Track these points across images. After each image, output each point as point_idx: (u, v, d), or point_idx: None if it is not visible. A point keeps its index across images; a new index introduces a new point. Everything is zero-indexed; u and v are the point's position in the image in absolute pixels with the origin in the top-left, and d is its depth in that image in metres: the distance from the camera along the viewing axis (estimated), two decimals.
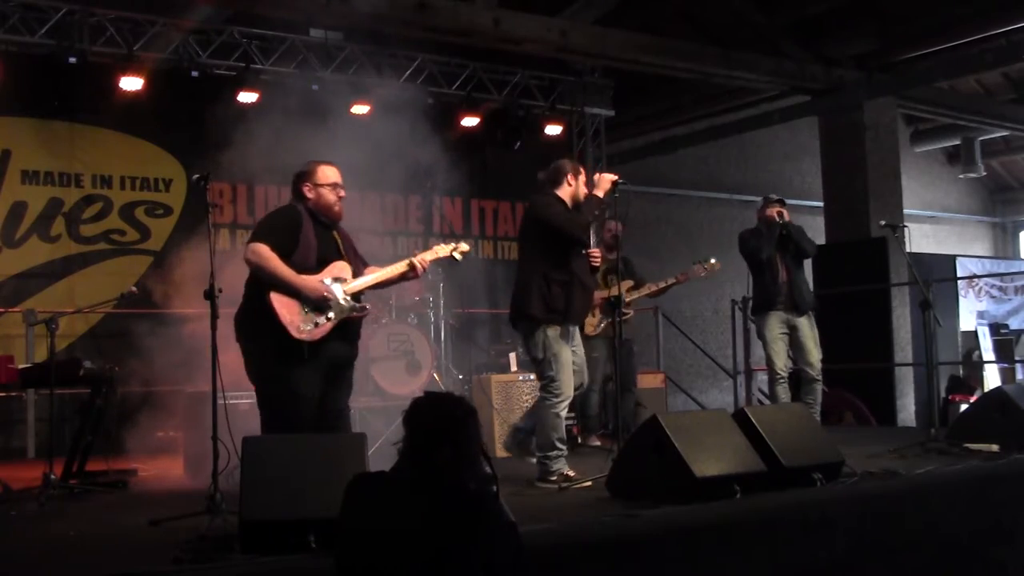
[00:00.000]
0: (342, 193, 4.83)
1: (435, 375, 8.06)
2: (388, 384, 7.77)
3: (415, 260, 4.96)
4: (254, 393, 4.83)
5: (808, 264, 7.41)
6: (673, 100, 12.73)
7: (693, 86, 11.85)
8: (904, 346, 10.54)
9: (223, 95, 8.81)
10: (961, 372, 11.92)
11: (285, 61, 9.37)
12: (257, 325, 4.56)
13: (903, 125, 15.36)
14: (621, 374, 6.65)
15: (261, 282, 4.56)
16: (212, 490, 4.25)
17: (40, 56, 8.29)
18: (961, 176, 16.82)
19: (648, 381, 8.77)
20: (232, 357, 4.69)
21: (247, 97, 8.92)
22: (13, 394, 7.66)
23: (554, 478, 5.45)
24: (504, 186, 10.98)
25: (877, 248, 10.34)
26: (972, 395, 10.56)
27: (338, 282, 4.69)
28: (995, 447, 5.92)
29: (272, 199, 9.37)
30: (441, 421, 2.77)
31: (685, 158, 13.98)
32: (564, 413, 5.64)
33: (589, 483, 5.32)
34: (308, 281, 4.58)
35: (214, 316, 4.46)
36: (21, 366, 5.86)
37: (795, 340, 6.90)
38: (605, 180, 5.65)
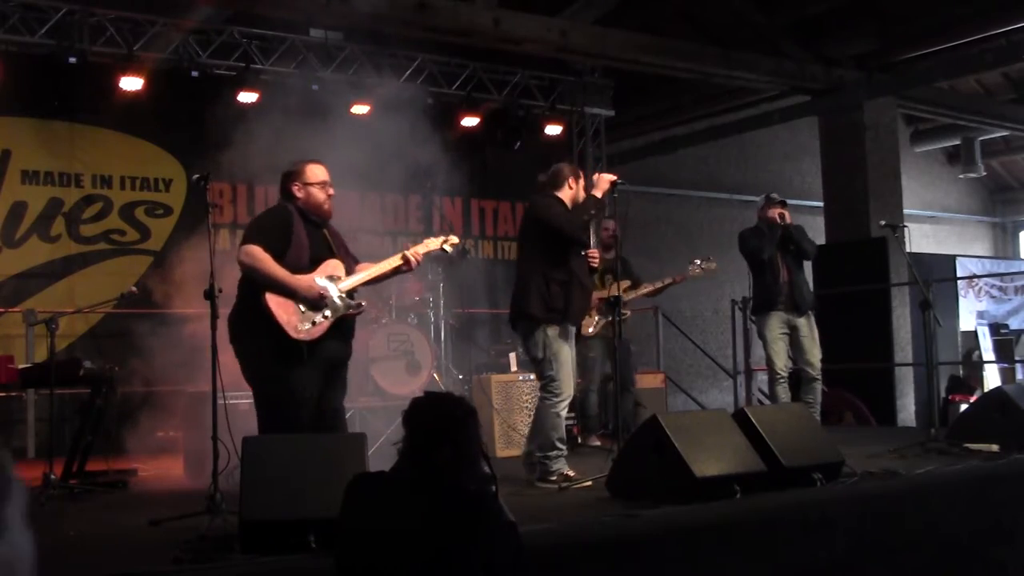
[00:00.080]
0: (331, 191, 4.81)
1: (435, 375, 8.06)
2: (388, 384, 7.77)
3: (408, 253, 4.93)
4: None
5: (808, 264, 7.41)
6: (673, 100, 12.73)
7: (693, 86, 11.85)
8: (904, 346, 10.54)
9: (223, 95, 8.81)
10: (961, 372, 11.92)
11: (285, 61, 9.37)
12: (253, 326, 4.54)
13: (903, 125, 15.36)
14: (619, 374, 6.66)
15: (254, 283, 4.54)
16: (212, 490, 4.25)
17: (40, 56, 8.29)
18: (961, 176, 16.81)
19: (648, 381, 8.77)
20: (232, 357, 4.68)
21: (247, 97, 8.92)
22: (13, 394, 7.65)
23: (554, 478, 5.45)
24: (504, 186, 10.98)
25: (877, 248, 10.34)
26: (972, 395, 10.56)
27: (332, 280, 4.68)
28: (995, 447, 5.92)
29: (272, 199, 9.29)
30: (441, 421, 2.77)
31: (685, 158, 13.97)
32: (564, 413, 5.64)
33: (589, 483, 5.32)
34: (303, 281, 4.56)
35: (214, 316, 4.45)
36: (21, 366, 5.87)
37: (795, 340, 6.90)
38: (604, 180, 5.66)
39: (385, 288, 7.88)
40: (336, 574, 2.82)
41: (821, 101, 11.17)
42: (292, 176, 4.78)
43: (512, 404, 7.51)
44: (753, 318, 7.45)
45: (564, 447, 5.61)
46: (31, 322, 7.89)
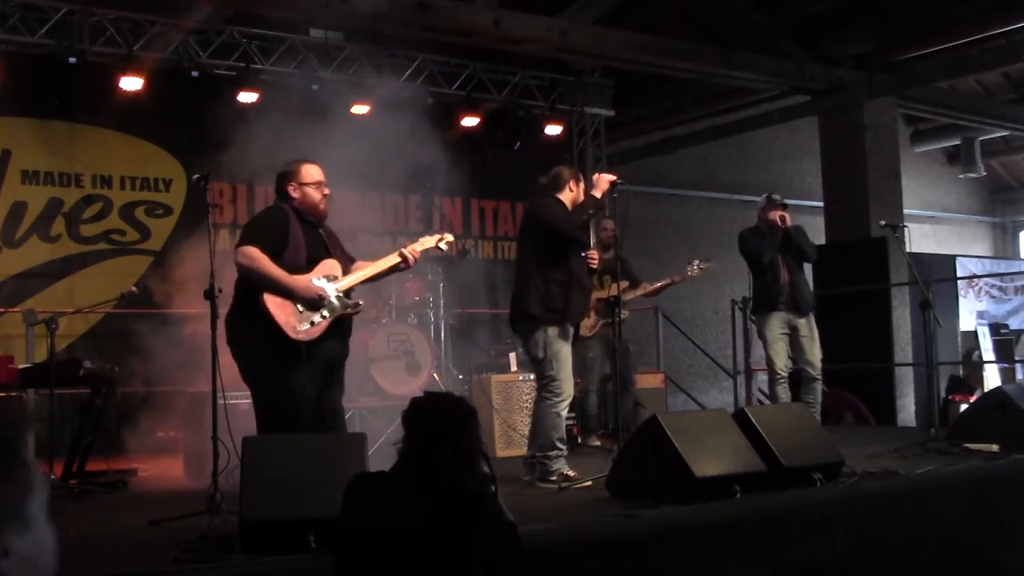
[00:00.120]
0: (327, 191, 4.81)
1: (435, 375, 8.06)
2: (388, 384, 7.77)
3: (405, 251, 4.93)
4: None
5: (808, 264, 7.41)
6: (673, 100, 12.73)
7: (693, 86, 11.85)
8: (904, 346, 10.54)
9: (223, 95, 8.80)
10: (961, 372, 11.92)
11: (285, 61, 9.36)
12: (251, 327, 4.53)
13: (903, 125, 15.36)
14: (619, 374, 6.67)
15: (251, 284, 4.53)
16: (212, 490, 4.25)
17: (40, 56, 8.29)
18: (961, 176, 16.81)
19: (648, 381, 8.76)
20: (232, 357, 4.69)
21: (247, 97, 8.91)
22: (13, 394, 7.65)
23: (554, 478, 5.46)
24: (504, 186, 10.98)
25: (877, 248, 10.34)
26: (972, 395, 10.56)
27: (329, 280, 4.68)
28: (995, 447, 5.92)
29: (272, 199, 9.34)
30: (441, 421, 2.77)
31: (685, 158, 13.97)
32: (565, 412, 5.65)
33: (589, 483, 5.32)
34: (300, 281, 4.56)
35: (214, 316, 4.45)
36: (21, 366, 5.88)
37: (795, 340, 6.90)
38: (604, 180, 5.66)
39: (385, 288, 7.89)
40: (336, 574, 2.82)
41: (821, 101, 11.17)
42: (288, 176, 4.78)
43: (512, 404, 7.51)
44: (753, 318, 7.45)
45: (564, 447, 5.61)
46: (31, 322, 7.89)
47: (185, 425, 6.65)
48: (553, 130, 10.90)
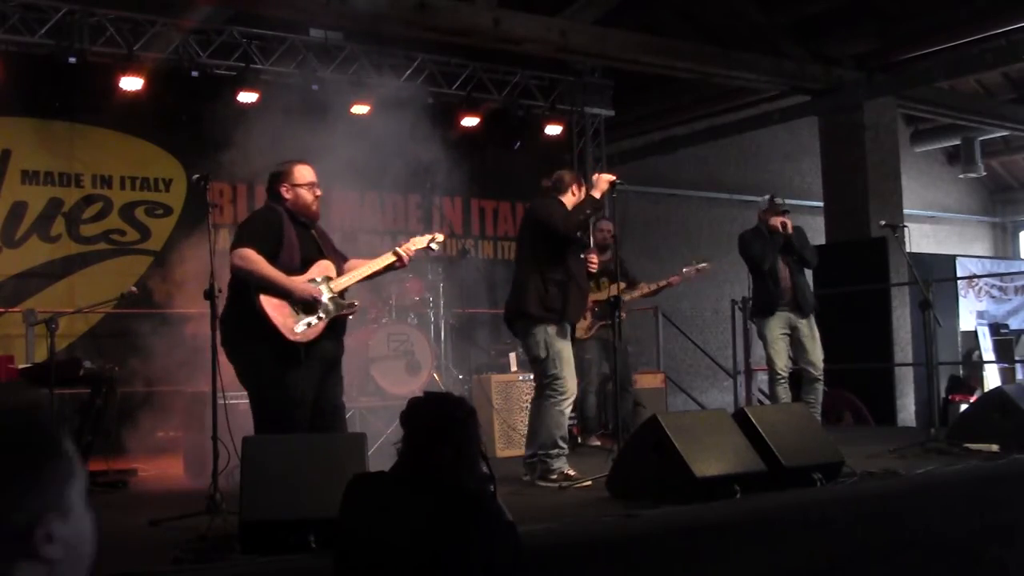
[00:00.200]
0: (319, 192, 4.81)
1: (435, 375, 8.06)
2: (388, 384, 7.77)
3: (400, 250, 4.94)
4: None
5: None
6: (673, 100, 12.72)
7: (693, 86, 11.84)
8: (904, 346, 10.54)
9: (223, 95, 8.80)
10: (961, 372, 11.91)
11: (285, 61, 9.36)
12: (248, 330, 4.52)
13: (903, 125, 15.35)
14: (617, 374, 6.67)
15: (247, 286, 4.53)
16: (212, 490, 4.25)
17: (40, 56, 8.28)
18: (961, 176, 16.81)
19: (648, 381, 8.76)
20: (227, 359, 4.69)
21: (247, 97, 8.91)
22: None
23: (555, 476, 5.46)
24: (504, 186, 10.98)
25: (877, 248, 10.33)
26: (972, 395, 10.56)
27: (325, 281, 4.69)
28: (995, 447, 5.92)
29: None
30: (442, 421, 2.77)
31: (685, 158, 13.97)
32: (568, 411, 5.65)
33: (589, 483, 5.32)
34: (297, 282, 4.56)
35: (214, 316, 4.46)
36: (21, 366, 5.88)
37: (797, 340, 6.89)
38: (603, 180, 5.67)
39: (385, 288, 7.90)
40: (335, 574, 2.82)
41: (821, 101, 11.17)
42: (280, 177, 4.78)
43: (512, 404, 7.51)
44: (753, 320, 7.45)
45: (566, 446, 5.62)
46: (31, 322, 7.89)
47: (185, 425, 6.65)
48: (553, 130, 10.90)
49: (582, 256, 5.78)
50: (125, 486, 5.94)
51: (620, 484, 4.92)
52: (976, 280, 13.34)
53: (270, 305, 4.49)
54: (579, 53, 9.71)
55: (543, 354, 5.54)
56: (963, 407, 9.33)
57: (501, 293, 9.73)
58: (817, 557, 4.34)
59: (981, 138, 15.53)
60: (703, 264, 7.66)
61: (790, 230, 6.88)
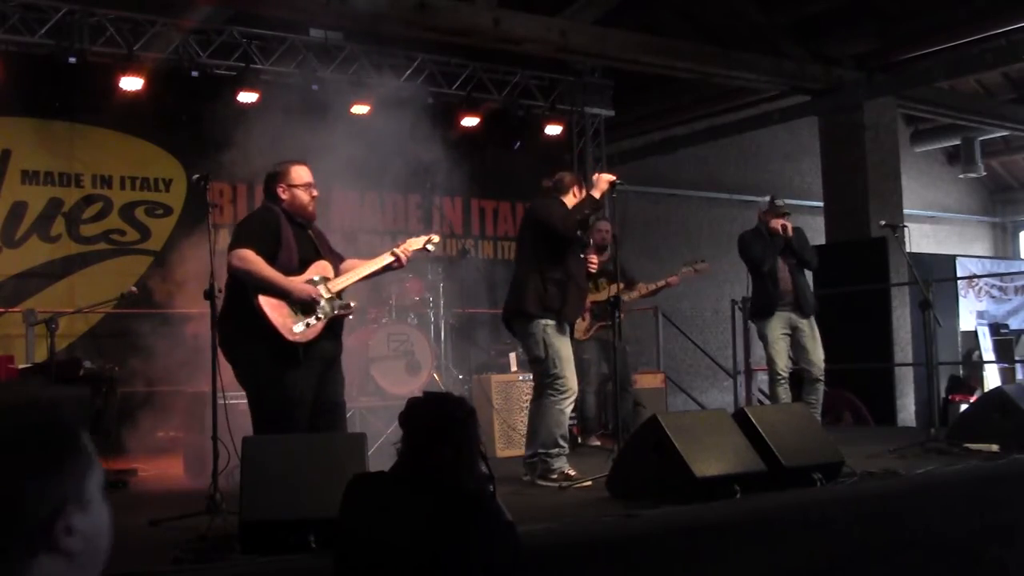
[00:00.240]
0: (315, 192, 4.81)
1: (435, 375, 8.06)
2: (388, 384, 7.77)
3: (397, 250, 4.94)
4: None
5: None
6: (673, 100, 12.72)
7: (693, 86, 11.84)
8: (904, 346, 10.53)
9: (223, 95, 8.80)
10: (961, 372, 11.91)
11: (285, 61, 9.36)
12: (247, 330, 4.52)
13: (903, 125, 15.35)
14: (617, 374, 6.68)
15: (245, 287, 4.53)
16: (212, 490, 4.25)
17: (40, 56, 8.28)
18: (961, 176, 16.80)
19: (648, 381, 8.76)
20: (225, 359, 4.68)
21: (247, 97, 8.91)
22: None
23: (555, 476, 5.46)
24: (504, 186, 10.98)
25: (877, 248, 10.33)
26: (972, 395, 10.55)
27: (323, 281, 4.69)
28: (995, 447, 5.92)
29: None
30: (442, 421, 2.77)
31: (685, 158, 13.97)
32: (569, 410, 5.65)
33: (589, 483, 5.32)
34: (295, 283, 4.56)
35: (214, 316, 4.46)
36: (21, 366, 5.88)
37: (798, 341, 6.89)
38: (603, 180, 5.67)
39: (385, 288, 7.90)
40: (335, 575, 2.82)
41: (821, 101, 11.17)
42: (277, 178, 4.78)
43: (512, 404, 7.51)
44: (753, 321, 7.44)
45: (566, 445, 5.62)
46: (31, 322, 7.89)
47: (185, 425, 6.65)
48: (553, 130, 10.90)
49: (582, 256, 5.78)
50: (125, 486, 5.94)
51: (620, 484, 4.92)
52: (976, 280, 13.34)
53: (269, 305, 4.49)
54: (579, 53, 9.71)
55: (543, 354, 5.54)
56: (963, 407, 9.33)
57: (501, 293, 9.72)
58: (817, 557, 4.34)
59: (981, 138, 15.52)
60: (701, 264, 7.68)
61: (790, 233, 6.87)
